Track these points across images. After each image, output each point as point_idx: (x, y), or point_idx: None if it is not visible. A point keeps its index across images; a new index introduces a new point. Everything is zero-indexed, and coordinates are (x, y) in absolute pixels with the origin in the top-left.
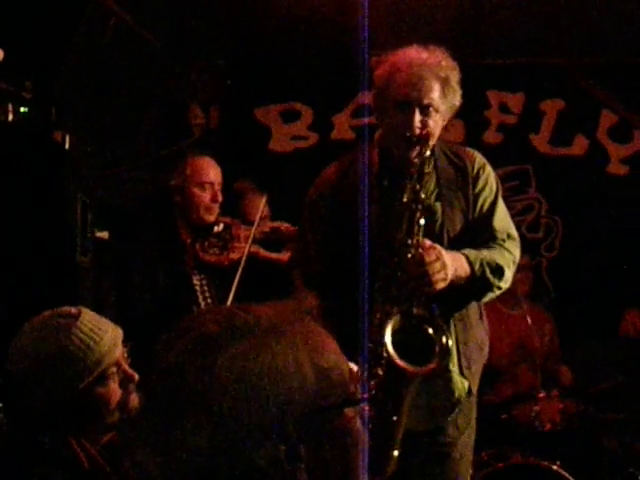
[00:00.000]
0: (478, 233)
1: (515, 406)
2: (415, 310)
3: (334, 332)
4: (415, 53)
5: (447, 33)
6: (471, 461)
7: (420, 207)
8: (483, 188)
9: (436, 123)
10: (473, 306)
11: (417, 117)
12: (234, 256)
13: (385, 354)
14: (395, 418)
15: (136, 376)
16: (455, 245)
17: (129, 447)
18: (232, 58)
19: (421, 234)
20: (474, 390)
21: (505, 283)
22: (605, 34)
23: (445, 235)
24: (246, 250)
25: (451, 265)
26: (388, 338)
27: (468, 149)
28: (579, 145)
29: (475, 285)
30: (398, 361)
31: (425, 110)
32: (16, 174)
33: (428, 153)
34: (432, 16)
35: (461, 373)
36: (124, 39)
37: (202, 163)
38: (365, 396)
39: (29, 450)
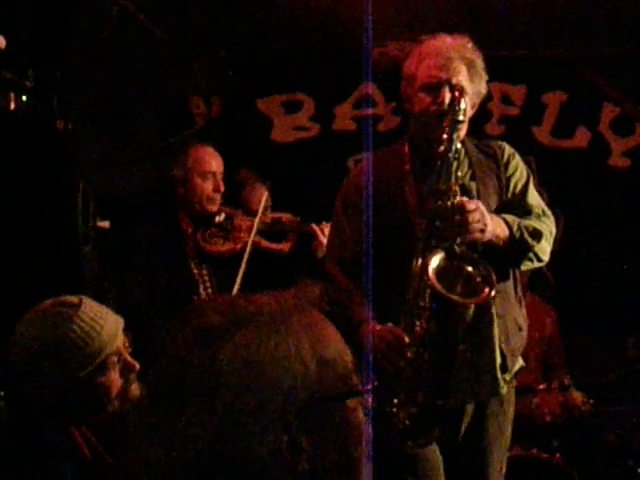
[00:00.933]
0: (513, 207)
1: (515, 398)
2: (457, 249)
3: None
4: (441, 39)
5: (449, 24)
6: (506, 445)
7: (457, 157)
8: (514, 172)
9: (465, 104)
10: (511, 285)
11: (447, 94)
12: (235, 246)
13: (430, 290)
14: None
15: (137, 365)
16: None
17: (132, 436)
18: (234, 49)
19: (461, 183)
20: (513, 369)
21: (544, 254)
22: (607, 26)
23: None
24: (250, 240)
25: (490, 219)
26: (432, 274)
27: (496, 141)
28: (581, 137)
29: (514, 248)
30: (445, 293)
31: (453, 89)
32: (18, 163)
33: (462, 109)
34: (434, 7)
35: (499, 347)
36: (127, 29)
37: (204, 153)
38: (368, 387)
39: (30, 440)
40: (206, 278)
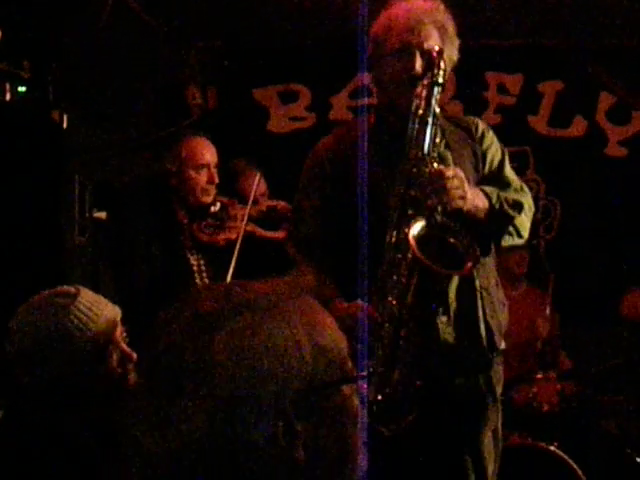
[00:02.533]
0: (491, 184)
1: (513, 388)
2: (438, 218)
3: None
4: (410, 2)
5: None
6: (498, 425)
7: (435, 122)
8: (490, 146)
9: (445, 66)
10: (492, 262)
11: (419, 60)
12: (230, 235)
13: (411, 261)
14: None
15: (134, 355)
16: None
17: (126, 424)
18: (230, 39)
19: (437, 152)
20: (500, 345)
21: (524, 229)
22: (604, 15)
23: None
24: (242, 229)
25: (468, 187)
26: (414, 243)
27: (469, 116)
28: (578, 127)
29: (494, 219)
30: (429, 264)
31: (424, 55)
32: (13, 153)
33: (442, 70)
34: None
35: (485, 320)
36: (122, 19)
37: (197, 145)
38: (363, 374)
39: (28, 431)
40: (203, 268)
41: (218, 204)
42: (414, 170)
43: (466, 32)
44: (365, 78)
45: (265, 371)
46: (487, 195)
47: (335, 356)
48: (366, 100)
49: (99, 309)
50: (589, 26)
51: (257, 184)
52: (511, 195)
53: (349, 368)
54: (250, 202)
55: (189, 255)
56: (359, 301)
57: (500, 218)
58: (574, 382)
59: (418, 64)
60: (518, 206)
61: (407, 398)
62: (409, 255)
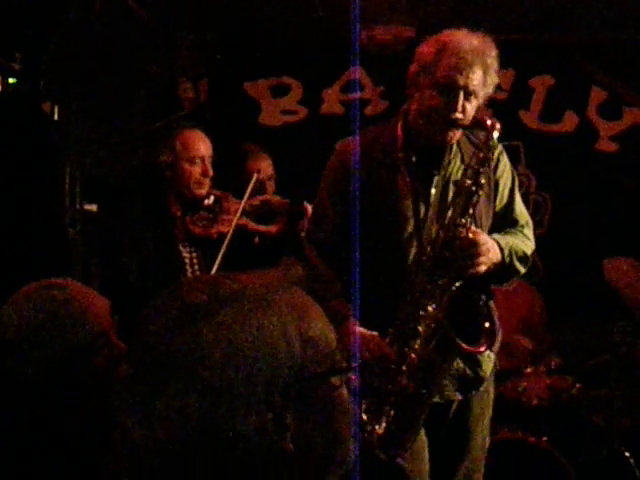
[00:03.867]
0: (499, 218)
1: (503, 381)
2: (471, 292)
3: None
4: (465, 37)
5: (437, 9)
6: (488, 442)
7: (480, 191)
8: (503, 173)
9: (472, 109)
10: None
11: (461, 101)
12: (223, 228)
13: (435, 332)
14: (425, 391)
15: (124, 347)
16: (478, 225)
17: (116, 415)
18: (222, 32)
19: (471, 220)
20: (497, 367)
21: (526, 269)
22: (595, 10)
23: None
24: (234, 222)
25: (492, 250)
26: (445, 317)
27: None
28: (569, 122)
29: (502, 270)
30: (456, 339)
31: (467, 96)
32: (4, 145)
33: (495, 141)
34: None
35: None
36: (114, 12)
37: (191, 137)
38: (353, 365)
39: (18, 421)
40: (195, 261)
41: (212, 197)
42: (450, 234)
43: (457, 27)
44: (356, 72)
45: (254, 362)
46: (501, 248)
47: (324, 347)
48: (357, 94)
49: (89, 301)
50: (580, 21)
51: (254, 182)
52: (521, 246)
53: (338, 359)
54: (246, 197)
55: (181, 247)
56: (376, 334)
57: (508, 270)
58: (564, 377)
59: (460, 105)
60: (525, 260)
61: (408, 426)
62: (437, 322)
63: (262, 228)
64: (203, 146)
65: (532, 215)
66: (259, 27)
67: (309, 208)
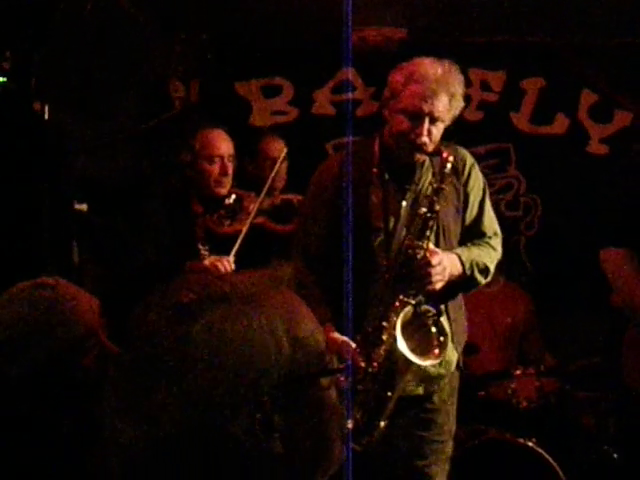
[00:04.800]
0: (468, 229)
1: (491, 383)
2: (423, 307)
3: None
4: (430, 66)
5: (429, 10)
6: (453, 430)
7: (435, 217)
8: (474, 187)
9: (439, 131)
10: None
11: (426, 127)
12: (239, 227)
13: (393, 342)
14: (390, 394)
15: (114, 348)
16: (446, 236)
17: (105, 416)
18: (213, 32)
19: (430, 240)
20: (460, 364)
21: (489, 279)
22: (586, 13)
23: (440, 227)
24: (248, 221)
25: (449, 267)
26: (399, 330)
27: (458, 147)
28: (559, 124)
29: (464, 282)
30: (407, 353)
31: (433, 121)
32: None
33: (448, 171)
34: None
35: (454, 347)
36: (106, 11)
37: (211, 136)
38: (341, 366)
39: (6, 422)
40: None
41: (233, 196)
42: (409, 252)
43: (449, 28)
44: (348, 73)
45: (242, 363)
46: (462, 262)
47: (313, 348)
48: (349, 95)
49: (79, 301)
50: (572, 23)
51: (271, 180)
52: (483, 258)
53: (327, 360)
54: (262, 195)
55: (200, 246)
56: (348, 340)
57: (469, 282)
58: (553, 378)
59: (425, 130)
60: (487, 272)
61: (376, 414)
62: (392, 337)
63: (279, 227)
64: (222, 145)
65: (522, 217)
66: (251, 27)
67: None
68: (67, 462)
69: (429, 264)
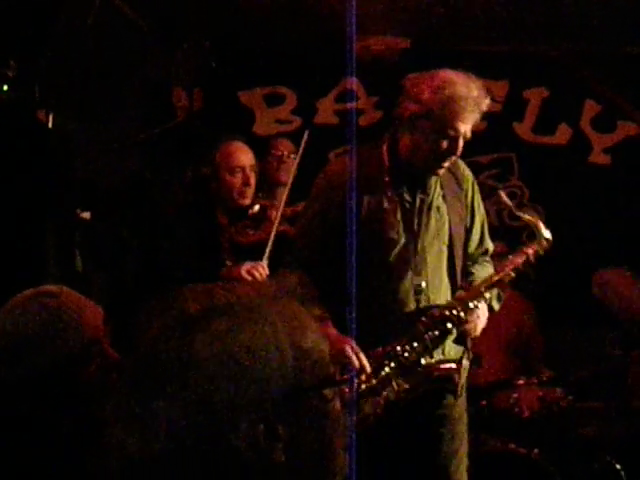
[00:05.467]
0: (474, 245)
1: (494, 393)
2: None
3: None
4: (466, 87)
5: (432, 20)
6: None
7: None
8: (479, 203)
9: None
10: None
11: (461, 146)
12: (264, 235)
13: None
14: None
15: (117, 356)
16: (455, 245)
17: (107, 424)
18: (217, 40)
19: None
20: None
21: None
22: (590, 22)
23: (453, 235)
24: (273, 230)
25: (483, 321)
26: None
27: (457, 161)
28: (562, 134)
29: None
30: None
31: (464, 139)
32: None
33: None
34: (418, 2)
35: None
36: (109, 19)
37: (230, 148)
38: (345, 377)
39: (8, 429)
40: None
41: (257, 206)
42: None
43: (451, 38)
44: (351, 82)
45: (245, 374)
46: (490, 307)
47: (317, 359)
48: (352, 104)
49: (82, 309)
50: (575, 33)
51: (288, 190)
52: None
53: (331, 371)
54: (282, 205)
55: (225, 256)
56: (351, 340)
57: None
58: (555, 388)
59: (459, 152)
60: (501, 299)
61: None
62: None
63: None
64: (243, 156)
65: (525, 226)
66: (254, 37)
67: None
68: (67, 464)
69: (467, 334)
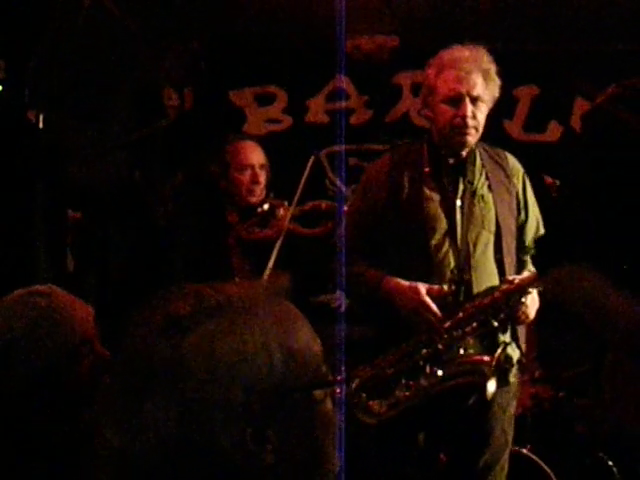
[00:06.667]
0: (529, 238)
1: None
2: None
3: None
4: (458, 51)
5: (421, 19)
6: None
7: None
8: (531, 196)
9: (483, 114)
10: None
11: (469, 107)
12: (270, 233)
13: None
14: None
15: (108, 355)
16: (504, 235)
17: (96, 424)
18: (207, 40)
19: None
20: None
21: None
22: (580, 20)
23: (501, 224)
24: (284, 228)
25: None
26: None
27: (502, 151)
28: (553, 132)
29: None
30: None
31: (474, 102)
32: None
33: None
34: (408, 1)
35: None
36: (99, 20)
37: (240, 147)
38: (336, 378)
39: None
40: (247, 268)
41: (266, 205)
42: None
43: (441, 37)
44: (341, 81)
45: (234, 375)
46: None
47: (308, 360)
48: (342, 103)
49: (73, 308)
50: (565, 31)
51: (300, 190)
52: None
53: (323, 372)
54: (294, 205)
55: (234, 255)
56: (421, 287)
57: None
58: (547, 386)
59: (469, 110)
60: None
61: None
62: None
63: (308, 232)
64: (252, 155)
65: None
66: (244, 36)
67: None
68: (60, 471)
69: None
